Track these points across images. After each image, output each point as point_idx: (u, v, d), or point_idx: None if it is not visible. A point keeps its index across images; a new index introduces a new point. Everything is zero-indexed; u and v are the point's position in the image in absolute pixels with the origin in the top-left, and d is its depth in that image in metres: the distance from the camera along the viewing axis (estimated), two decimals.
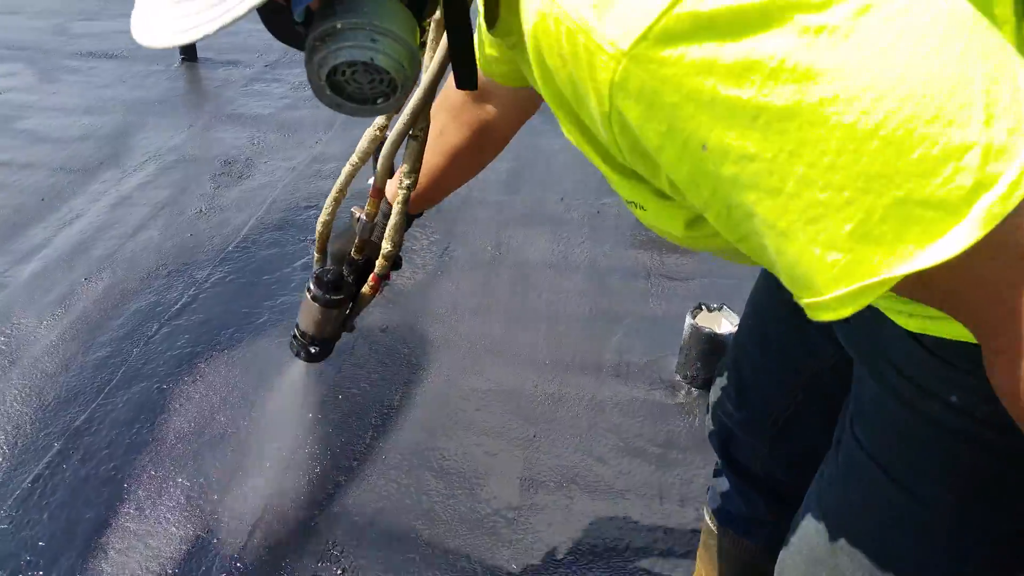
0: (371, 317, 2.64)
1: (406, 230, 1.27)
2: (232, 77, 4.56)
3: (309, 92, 4.28)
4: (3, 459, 2.11)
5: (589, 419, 2.31)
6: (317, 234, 1.30)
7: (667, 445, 2.23)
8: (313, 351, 1.39)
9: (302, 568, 1.86)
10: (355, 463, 2.13)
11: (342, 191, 1.26)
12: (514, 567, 1.89)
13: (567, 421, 2.30)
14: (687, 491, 2.09)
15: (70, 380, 2.37)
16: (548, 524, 1.99)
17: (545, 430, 2.26)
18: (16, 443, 2.16)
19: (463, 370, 2.46)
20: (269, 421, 2.25)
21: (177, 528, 1.94)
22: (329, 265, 1.33)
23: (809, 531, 1.00)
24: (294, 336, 1.39)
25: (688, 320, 2.36)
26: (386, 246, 1.22)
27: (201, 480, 2.07)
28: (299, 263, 2.94)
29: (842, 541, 0.94)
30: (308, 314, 1.35)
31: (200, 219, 3.20)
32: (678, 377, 2.45)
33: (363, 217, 1.27)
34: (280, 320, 2.64)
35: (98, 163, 3.59)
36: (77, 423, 2.22)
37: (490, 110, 1.28)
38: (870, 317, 0.85)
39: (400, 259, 1.34)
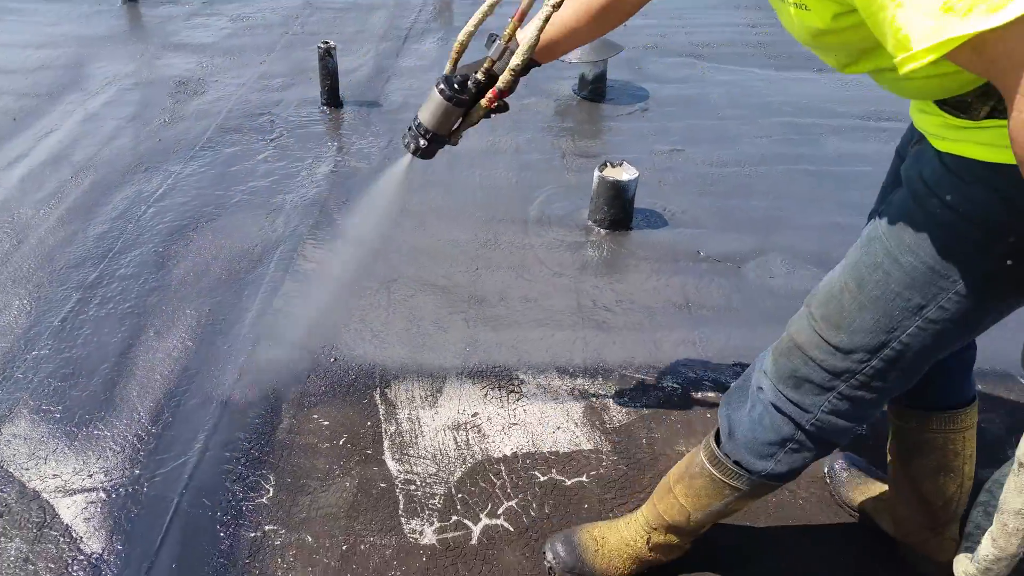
0: (330, 193, 3.09)
1: (525, 73, 1.51)
2: (173, 13, 4.89)
3: (249, 23, 4.66)
4: (31, 308, 2.51)
5: (519, 255, 2.82)
6: (458, 43, 1.55)
7: (583, 269, 2.77)
8: (422, 143, 1.59)
9: (299, 366, 2.33)
10: (346, 289, 2.60)
11: (491, 8, 1.52)
12: (468, 350, 2.40)
13: (502, 258, 2.81)
14: (598, 296, 2.63)
15: (76, 250, 2.77)
16: (493, 327, 2.50)
17: (485, 264, 2.77)
18: (40, 297, 2.56)
19: (414, 228, 2.95)
20: (255, 274, 2.69)
21: (192, 343, 2.39)
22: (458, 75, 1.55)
23: (834, 276, 1.33)
24: (409, 128, 1.60)
25: (596, 173, 2.89)
26: (515, 60, 1.47)
27: (207, 310, 2.51)
28: (260, 157, 3.36)
29: (850, 283, 1.28)
30: (430, 108, 1.55)
31: (165, 128, 3.58)
32: (590, 222, 2.98)
33: (500, 40, 1.50)
34: (251, 200, 3.07)
35: (61, 88, 3.92)
36: (90, 279, 2.63)
37: None
38: (921, 150, 1.21)
39: (507, 104, 1.61)
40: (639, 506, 1.94)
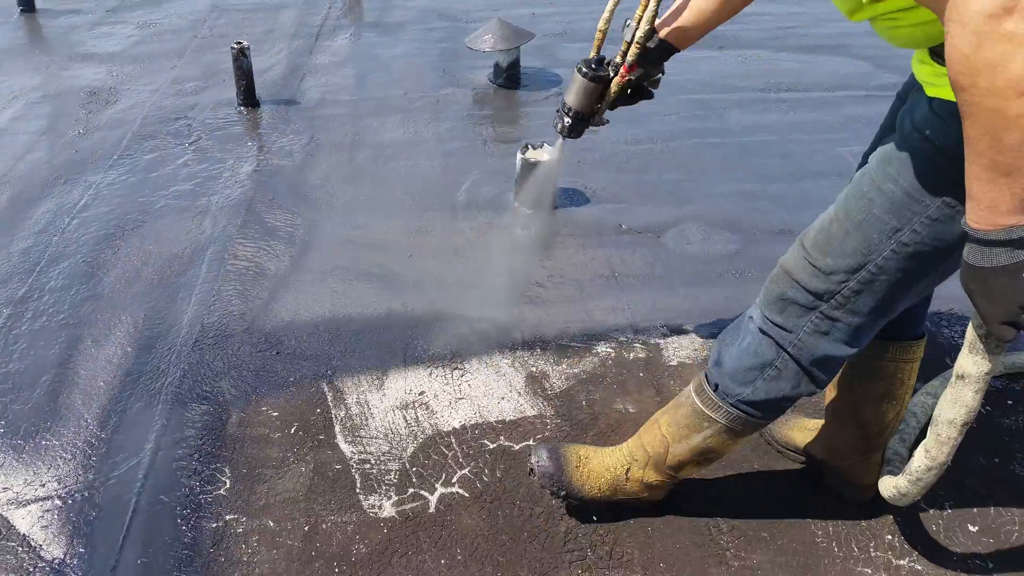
0: (255, 190, 3.11)
1: (665, 58, 1.78)
2: (75, 23, 4.78)
3: (156, 29, 4.61)
4: None
5: (451, 240, 2.91)
6: (598, 31, 1.83)
7: (512, 248, 2.87)
8: (567, 121, 1.91)
9: (242, 361, 2.36)
10: (282, 284, 2.63)
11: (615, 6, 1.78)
12: (410, 333, 2.47)
13: (434, 242, 2.89)
14: (530, 273, 2.73)
15: (1, 266, 2.72)
16: (432, 310, 2.58)
17: (418, 250, 2.85)
18: None
19: (345, 222, 3.00)
20: (187, 276, 2.70)
21: (131, 348, 2.40)
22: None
23: (826, 212, 1.48)
24: (557, 111, 1.90)
25: (519, 156, 2.99)
26: (637, 33, 1.71)
27: (143, 315, 2.52)
28: (180, 161, 3.35)
29: (839, 214, 1.44)
30: (572, 89, 1.87)
31: (80, 139, 3.53)
32: (516, 203, 3.09)
33: (632, 22, 1.73)
34: (176, 204, 3.07)
35: None
36: (19, 294, 2.60)
37: None
38: (917, 97, 1.34)
39: (648, 89, 1.89)
40: None
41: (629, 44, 1.75)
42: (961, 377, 1.33)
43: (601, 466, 1.87)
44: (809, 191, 3.22)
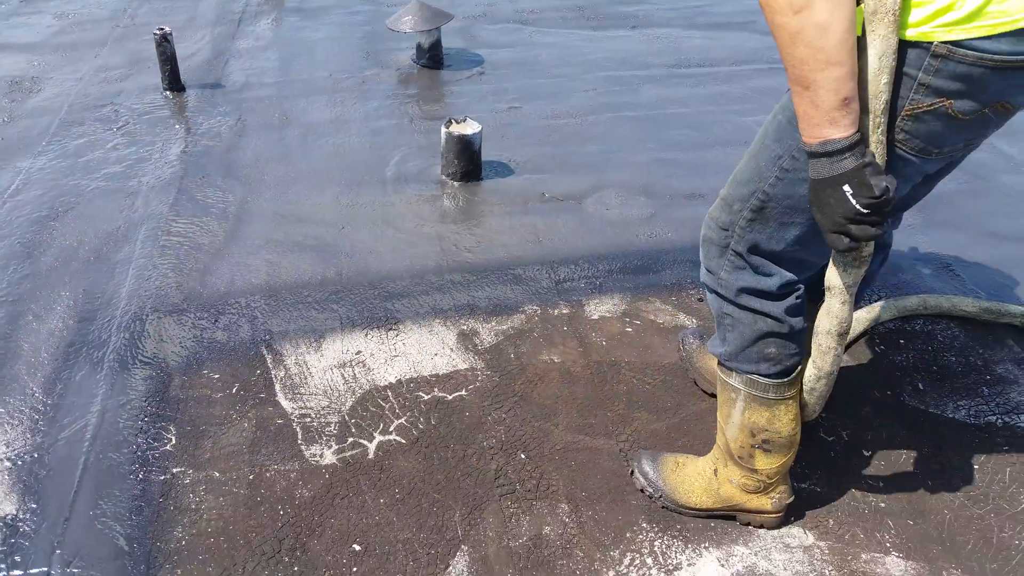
0: (188, 171, 3.18)
1: None
2: None
3: (75, 19, 4.59)
4: None
5: (382, 212, 3.03)
6: None
7: (442, 218, 3.01)
8: None
9: (183, 330, 2.45)
10: (217, 257, 2.72)
11: None
12: (345, 296, 2.59)
13: (366, 215, 3.01)
14: (459, 241, 2.88)
15: None
16: (365, 276, 2.70)
17: (350, 222, 2.97)
18: None
19: (276, 197, 3.09)
20: (123, 253, 2.76)
21: (73, 321, 2.46)
22: None
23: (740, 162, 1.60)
24: None
25: (443, 130, 3.13)
26: None
27: (82, 290, 2.59)
28: (109, 146, 3.39)
29: (755, 139, 1.54)
30: None
31: (5, 127, 3.53)
32: (443, 176, 3.23)
33: None
34: (107, 186, 3.12)
35: None
36: None
37: None
38: None
39: None
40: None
41: None
42: (829, 289, 1.51)
43: (694, 470, 1.93)
44: (718, 158, 3.44)
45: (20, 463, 2.03)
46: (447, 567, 1.83)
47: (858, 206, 1.27)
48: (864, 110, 1.28)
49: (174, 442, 2.10)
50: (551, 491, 2.01)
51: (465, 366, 2.36)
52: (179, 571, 1.80)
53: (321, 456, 2.08)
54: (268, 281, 2.66)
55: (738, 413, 1.77)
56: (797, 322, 1.66)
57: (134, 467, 2.03)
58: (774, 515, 1.89)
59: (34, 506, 1.92)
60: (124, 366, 2.31)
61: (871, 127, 1.29)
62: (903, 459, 2.12)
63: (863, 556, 1.86)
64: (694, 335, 2.36)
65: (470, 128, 3.12)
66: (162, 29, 3.67)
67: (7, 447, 2.07)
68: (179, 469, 2.03)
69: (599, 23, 4.75)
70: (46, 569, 1.79)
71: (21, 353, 2.34)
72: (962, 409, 2.25)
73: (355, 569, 1.82)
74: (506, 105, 3.81)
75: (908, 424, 2.21)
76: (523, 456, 2.09)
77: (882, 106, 1.28)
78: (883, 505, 1.99)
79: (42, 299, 2.54)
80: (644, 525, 1.93)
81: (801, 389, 1.73)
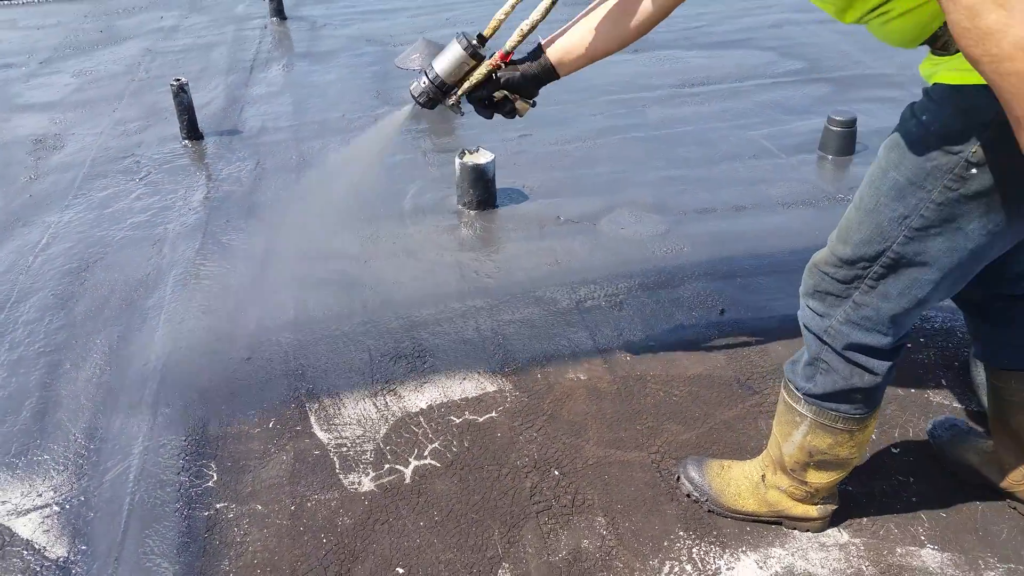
0: (226, 224, 3.27)
1: (542, 85, 1.79)
2: (10, 76, 4.88)
3: (92, 76, 4.73)
4: None
5: (402, 243, 3.10)
6: (495, 18, 1.73)
7: (461, 247, 3.07)
8: (426, 83, 1.79)
9: (216, 369, 2.51)
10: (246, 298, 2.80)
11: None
12: (371, 329, 2.65)
13: (387, 248, 3.08)
14: (479, 268, 2.94)
15: None
16: (391, 307, 2.76)
17: (372, 255, 3.04)
18: None
19: (299, 237, 3.17)
20: (154, 298, 2.84)
21: (109, 367, 2.53)
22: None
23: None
24: (422, 73, 1.80)
25: (457, 161, 3.20)
26: (522, 27, 1.72)
27: (116, 336, 2.66)
28: (133, 196, 3.49)
29: (856, 202, 1.51)
30: (444, 56, 1.76)
31: (32, 184, 3.64)
32: (459, 206, 3.30)
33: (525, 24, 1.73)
34: (134, 235, 3.20)
35: None
36: None
37: None
38: (922, 93, 1.40)
39: (513, 109, 1.84)
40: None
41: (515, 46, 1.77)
42: None
43: (740, 473, 1.94)
44: (726, 172, 3.50)
45: (68, 507, 2.08)
46: None
47: None
48: None
49: (215, 478, 2.15)
50: (587, 505, 2.04)
51: (494, 388, 2.41)
52: None
53: (359, 484, 2.13)
54: (297, 317, 2.72)
55: (800, 435, 1.75)
56: (890, 377, 1.63)
57: (178, 505, 2.08)
58: (819, 521, 1.91)
59: (84, 547, 1.98)
60: (162, 407, 2.37)
61: None
62: (931, 453, 2.14)
63: (898, 550, 1.89)
64: (944, 427, 2.12)
65: (483, 157, 3.20)
66: (178, 80, 3.79)
67: (55, 492, 2.12)
68: (222, 504, 2.08)
69: None
70: None
71: (62, 401, 2.41)
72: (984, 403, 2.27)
73: None
74: (516, 133, 3.89)
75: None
76: (557, 473, 2.13)
77: None
78: (915, 499, 2.01)
79: (78, 348, 2.61)
80: (681, 533, 1.95)
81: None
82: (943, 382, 2.35)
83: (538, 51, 1.86)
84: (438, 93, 1.83)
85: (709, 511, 1.98)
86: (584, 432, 2.25)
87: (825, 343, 1.60)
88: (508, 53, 1.77)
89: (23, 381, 2.49)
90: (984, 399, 2.16)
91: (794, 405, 1.73)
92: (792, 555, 1.89)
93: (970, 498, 2.01)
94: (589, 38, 1.80)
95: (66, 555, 1.96)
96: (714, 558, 1.89)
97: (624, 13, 1.75)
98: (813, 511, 1.88)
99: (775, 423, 1.83)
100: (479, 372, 2.47)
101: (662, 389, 2.38)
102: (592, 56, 1.83)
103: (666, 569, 1.87)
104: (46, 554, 1.96)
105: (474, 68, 1.81)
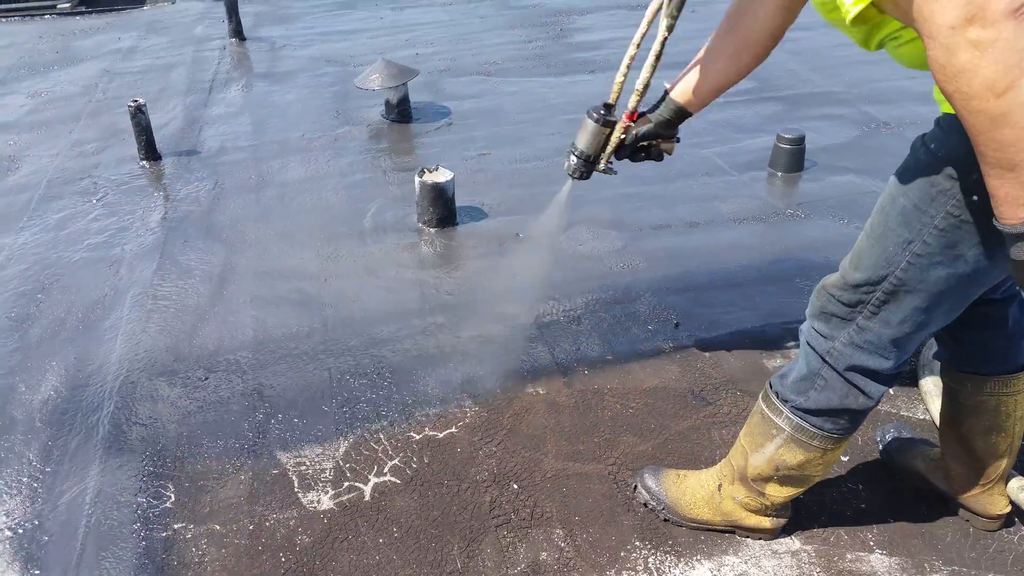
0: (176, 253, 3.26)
1: (679, 120, 1.98)
2: None
3: (48, 97, 4.69)
4: None
5: (362, 262, 3.12)
6: (616, 84, 1.94)
7: (421, 264, 3.10)
8: (574, 160, 2.05)
9: (174, 388, 2.50)
10: (204, 317, 2.78)
11: (631, 61, 1.92)
12: (331, 345, 2.66)
13: (347, 266, 3.09)
14: (440, 284, 2.96)
15: None
16: (350, 325, 2.77)
17: (332, 273, 3.05)
18: None
19: (258, 256, 3.17)
20: (112, 319, 2.82)
21: (65, 389, 2.50)
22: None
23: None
24: (569, 154, 2.05)
25: (417, 180, 3.23)
26: (638, 82, 1.90)
27: (72, 358, 2.63)
28: (90, 217, 3.46)
29: (866, 229, 1.54)
30: (581, 132, 2.01)
31: None
32: (420, 224, 3.32)
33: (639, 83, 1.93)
34: (91, 256, 3.18)
35: None
36: None
37: (751, 19, 1.75)
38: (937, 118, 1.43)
39: (657, 148, 2.05)
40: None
41: (640, 100, 1.96)
42: None
43: (697, 483, 1.97)
44: (681, 189, 3.57)
45: (21, 531, 2.06)
46: None
47: None
48: None
49: (173, 499, 2.14)
50: (545, 518, 2.07)
51: (453, 404, 2.43)
52: None
53: (318, 502, 2.13)
54: (255, 336, 2.72)
55: (772, 448, 1.76)
56: (878, 403, 1.67)
57: (136, 526, 2.06)
58: (771, 532, 1.95)
59: (37, 572, 1.95)
60: (119, 429, 2.35)
61: None
62: (880, 461, 2.20)
63: (848, 555, 1.94)
64: (893, 434, 2.21)
65: (443, 176, 3.23)
66: (136, 101, 3.77)
67: (7, 517, 2.10)
68: (180, 524, 2.07)
69: (559, 70, 4.92)
70: None
71: (16, 424, 2.38)
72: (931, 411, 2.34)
73: None
74: (475, 153, 3.93)
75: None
76: (516, 486, 2.15)
77: None
78: (864, 506, 2.07)
79: (33, 370, 2.59)
80: (637, 543, 1.99)
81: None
82: (890, 391, 2.41)
83: (665, 96, 2.02)
84: (587, 165, 2.07)
85: (665, 520, 2.02)
86: (543, 445, 2.28)
87: (827, 362, 1.63)
88: (633, 112, 1.96)
89: None
90: (932, 406, 2.24)
91: (773, 417, 1.74)
92: (745, 563, 1.93)
93: (917, 504, 2.07)
94: (710, 76, 1.90)
95: None
96: (669, 567, 1.92)
97: (740, 49, 1.83)
98: (766, 522, 1.92)
99: (744, 434, 1.85)
100: (439, 388, 2.49)
101: (619, 402, 2.42)
102: (718, 90, 1.94)
103: None
104: None
105: (610, 134, 2.03)
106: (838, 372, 1.61)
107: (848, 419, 1.67)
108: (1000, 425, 1.83)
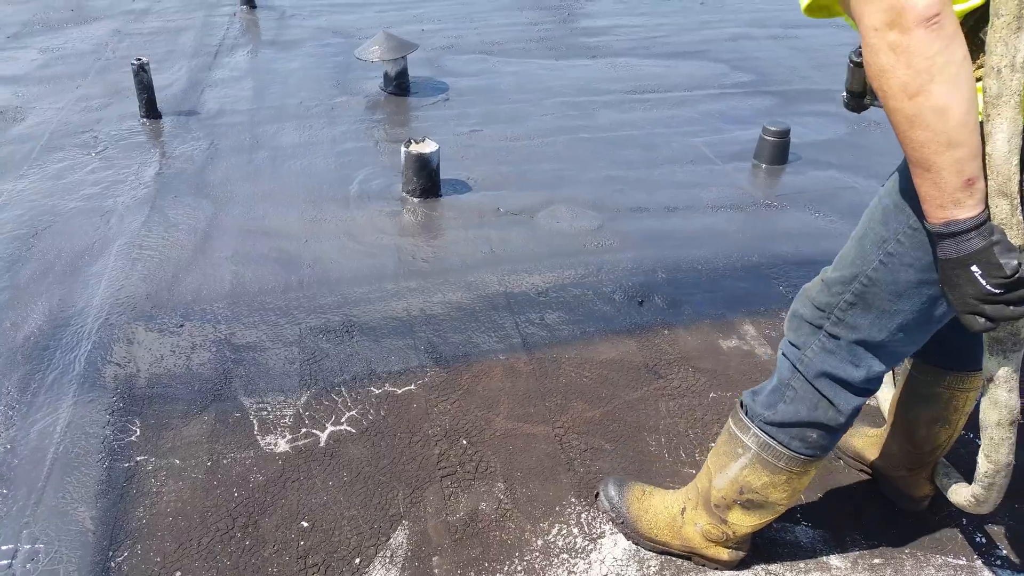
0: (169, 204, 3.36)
1: None
2: None
3: (60, 53, 4.80)
4: None
5: (344, 226, 3.21)
6: None
7: (401, 231, 3.19)
8: (846, 97, 1.70)
9: (149, 333, 2.61)
10: (185, 269, 2.89)
11: None
12: (305, 301, 2.75)
13: (329, 229, 3.19)
14: (416, 252, 3.05)
15: None
16: (326, 283, 2.87)
17: (314, 235, 3.15)
18: None
19: (244, 214, 3.27)
20: (97, 266, 2.93)
21: (48, 327, 2.62)
22: None
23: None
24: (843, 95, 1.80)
25: (403, 150, 3.32)
26: None
27: (57, 300, 2.75)
28: (88, 169, 3.57)
29: (860, 222, 1.51)
30: (848, 73, 1.72)
31: None
32: (404, 193, 3.41)
33: None
34: (84, 206, 3.29)
35: None
36: None
37: None
38: None
39: None
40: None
41: None
42: (990, 380, 1.41)
43: (661, 503, 1.94)
44: (664, 175, 3.64)
45: None
46: (388, 539, 1.98)
47: (988, 287, 1.23)
48: (1001, 195, 1.24)
49: (139, 433, 2.25)
50: (489, 472, 2.16)
51: (415, 364, 2.53)
52: (139, 547, 1.95)
53: (275, 445, 2.23)
54: (232, 290, 2.82)
55: (737, 468, 1.72)
56: (851, 422, 1.63)
57: (100, 456, 2.17)
58: (727, 564, 1.92)
59: (5, 491, 2.07)
60: (94, 367, 2.46)
61: (1009, 211, 1.24)
62: None
63: (774, 525, 2.02)
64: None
65: (428, 147, 3.32)
66: (139, 59, 3.88)
67: None
68: (142, 457, 2.18)
69: (561, 53, 4.99)
70: (14, 546, 1.93)
71: None
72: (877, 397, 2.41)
73: (302, 543, 1.97)
74: (468, 129, 4.01)
75: None
76: (465, 442, 2.25)
77: (1015, 188, 1.23)
78: None
79: (20, 308, 2.70)
80: (573, 500, 2.08)
81: (977, 482, 1.60)
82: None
83: None
84: (855, 99, 1.76)
85: (623, 534, 2.00)
86: (496, 406, 2.37)
87: (797, 370, 1.61)
88: None
89: None
90: (880, 393, 2.25)
91: (740, 435, 1.71)
92: None
93: (847, 482, 2.15)
94: None
95: None
96: (600, 523, 2.02)
97: None
98: (724, 554, 1.88)
99: (711, 455, 1.81)
100: (403, 348, 2.59)
101: (574, 371, 2.51)
102: None
103: (554, 531, 2.00)
104: None
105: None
106: (808, 380, 1.59)
107: (817, 438, 1.62)
108: (947, 418, 1.87)
